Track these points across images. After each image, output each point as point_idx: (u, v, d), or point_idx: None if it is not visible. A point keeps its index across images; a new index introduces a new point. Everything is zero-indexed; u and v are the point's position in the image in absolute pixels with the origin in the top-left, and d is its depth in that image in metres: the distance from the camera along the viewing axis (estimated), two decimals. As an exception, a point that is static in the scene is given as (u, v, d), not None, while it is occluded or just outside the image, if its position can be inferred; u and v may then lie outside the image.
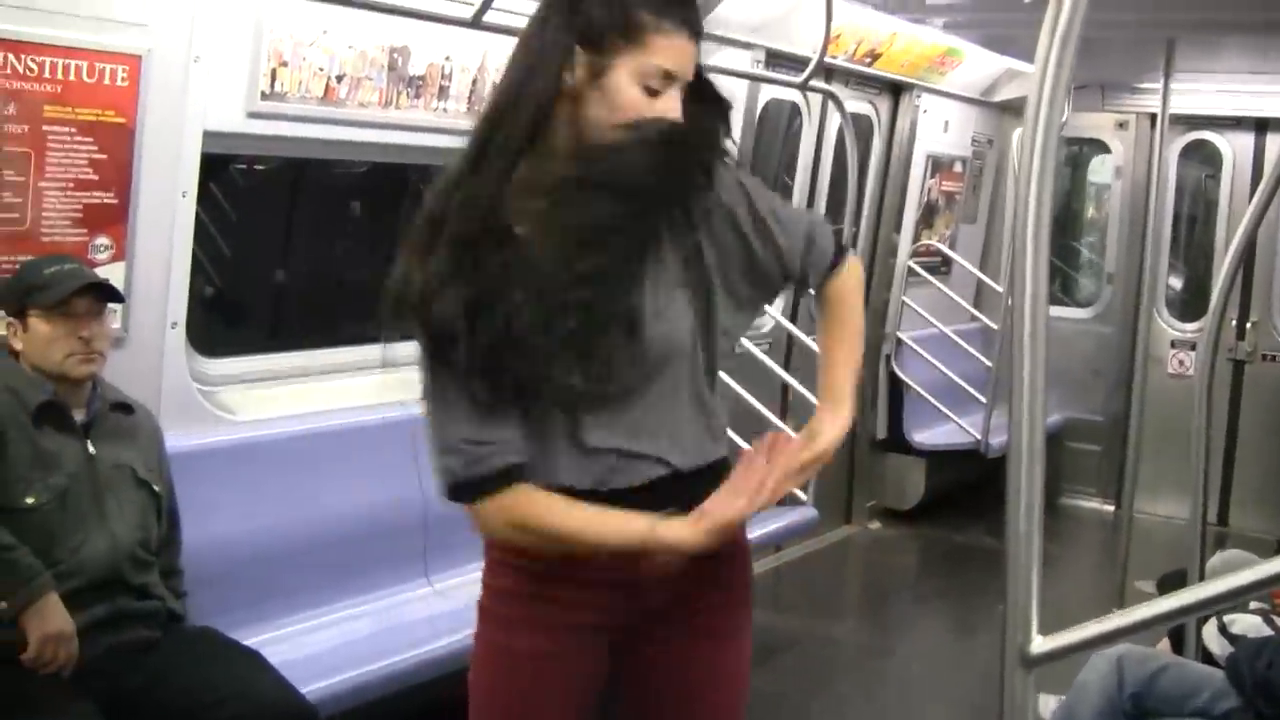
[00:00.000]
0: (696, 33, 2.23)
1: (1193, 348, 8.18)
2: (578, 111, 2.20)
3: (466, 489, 2.21)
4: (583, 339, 2.16)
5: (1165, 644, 4.04)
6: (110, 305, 3.44)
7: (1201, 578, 3.71)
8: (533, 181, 2.20)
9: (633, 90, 2.18)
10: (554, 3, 2.25)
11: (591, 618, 2.38)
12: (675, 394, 2.30)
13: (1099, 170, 9.10)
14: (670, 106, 2.20)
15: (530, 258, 2.15)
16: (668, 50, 2.18)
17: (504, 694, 2.43)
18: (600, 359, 2.18)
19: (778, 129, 7.00)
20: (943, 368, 7.84)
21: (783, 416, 6.02)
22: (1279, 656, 3.36)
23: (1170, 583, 4.72)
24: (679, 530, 2.19)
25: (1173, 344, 8.46)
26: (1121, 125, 8.61)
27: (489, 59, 4.59)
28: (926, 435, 7.96)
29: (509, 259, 2.14)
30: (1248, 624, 3.77)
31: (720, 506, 2.18)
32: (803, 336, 6.18)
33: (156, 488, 3.42)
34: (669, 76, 2.19)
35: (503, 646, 2.41)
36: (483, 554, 2.46)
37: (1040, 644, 1.35)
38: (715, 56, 5.48)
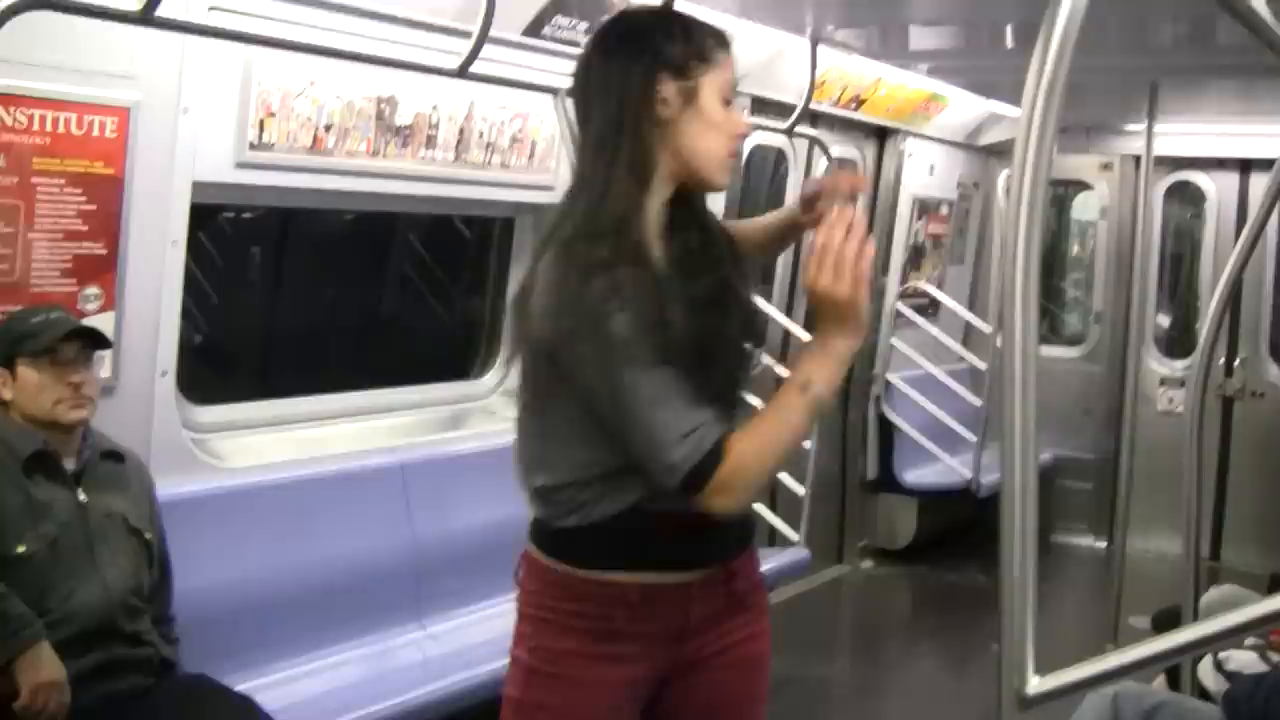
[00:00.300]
0: None
1: (1181, 385, 8.20)
2: (673, 140, 2.37)
3: (698, 476, 2.24)
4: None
5: (1161, 681, 4.03)
6: (98, 353, 3.44)
7: (1196, 614, 3.71)
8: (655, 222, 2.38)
9: (718, 105, 2.38)
10: (607, 47, 2.42)
11: (645, 670, 2.44)
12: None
13: (1083, 208, 9.13)
14: (739, 116, 2.45)
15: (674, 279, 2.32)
16: (730, 65, 2.42)
17: None
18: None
19: (764, 175, 7.03)
20: (932, 408, 7.85)
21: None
22: (1275, 693, 3.35)
23: (1165, 620, 4.71)
24: (841, 344, 2.26)
25: (1162, 381, 8.47)
26: (1106, 167, 8.65)
27: (476, 108, 4.62)
28: (917, 475, 7.96)
29: (659, 278, 2.30)
30: (1243, 660, 3.76)
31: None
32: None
33: (148, 536, 3.41)
34: (734, 88, 2.42)
35: (557, 709, 2.42)
36: (523, 614, 2.48)
37: (1036, 684, 1.35)
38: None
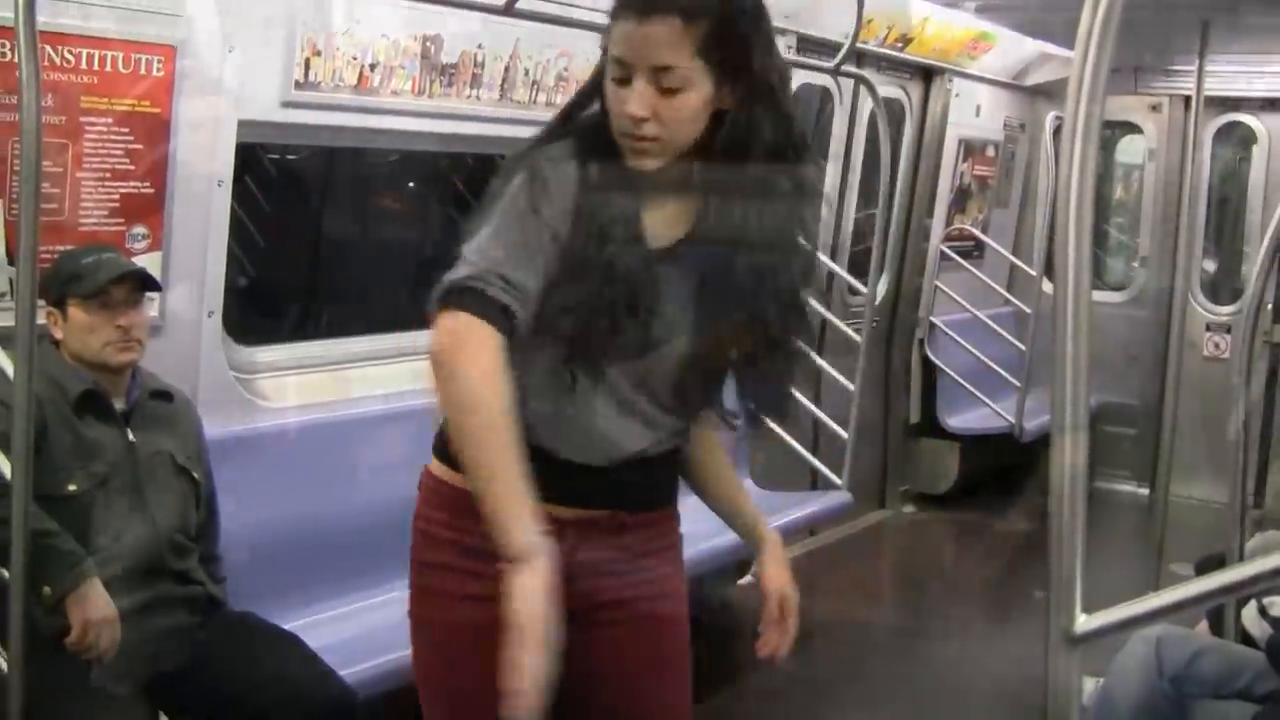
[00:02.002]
0: (658, 12, 2.15)
1: (1228, 331, 8.14)
2: None
3: (455, 293, 2.12)
4: None
5: (1203, 626, 4.03)
6: (147, 294, 3.46)
7: (1241, 559, 3.70)
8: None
9: (610, 83, 2.20)
10: None
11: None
12: None
13: (1128, 151, 9.04)
14: (625, 97, 2.17)
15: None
16: (618, 39, 2.17)
17: (441, 671, 2.40)
18: None
19: (810, 114, 6.99)
20: (976, 352, 7.82)
21: (816, 401, 6.02)
22: (1319, 639, 3.35)
23: (1209, 566, 4.70)
24: (530, 583, 1.99)
25: (1207, 327, 8.41)
26: (1154, 108, 8.55)
27: (521, 46, 4.60)
28: (960, 419, 7.94)
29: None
30: (1287, 606, 3.75)
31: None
32: (837, 321, 6.20)
33: (196, 475, 3.44)
34: (621, 64, 2.16)
35: (437, 622, 2.39)
36: (411, 528, 2.45)
37: (1085, 622, 1.35)
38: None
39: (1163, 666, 3.58)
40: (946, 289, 7.95)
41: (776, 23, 5.82)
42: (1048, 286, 7.71)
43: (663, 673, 2.51)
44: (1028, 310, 7.99)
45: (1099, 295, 8.71)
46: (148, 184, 3.67)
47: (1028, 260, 8.42)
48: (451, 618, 2.37)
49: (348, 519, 4.13)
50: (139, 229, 3.67)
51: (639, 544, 2.43)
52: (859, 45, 5.67)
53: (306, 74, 4.00)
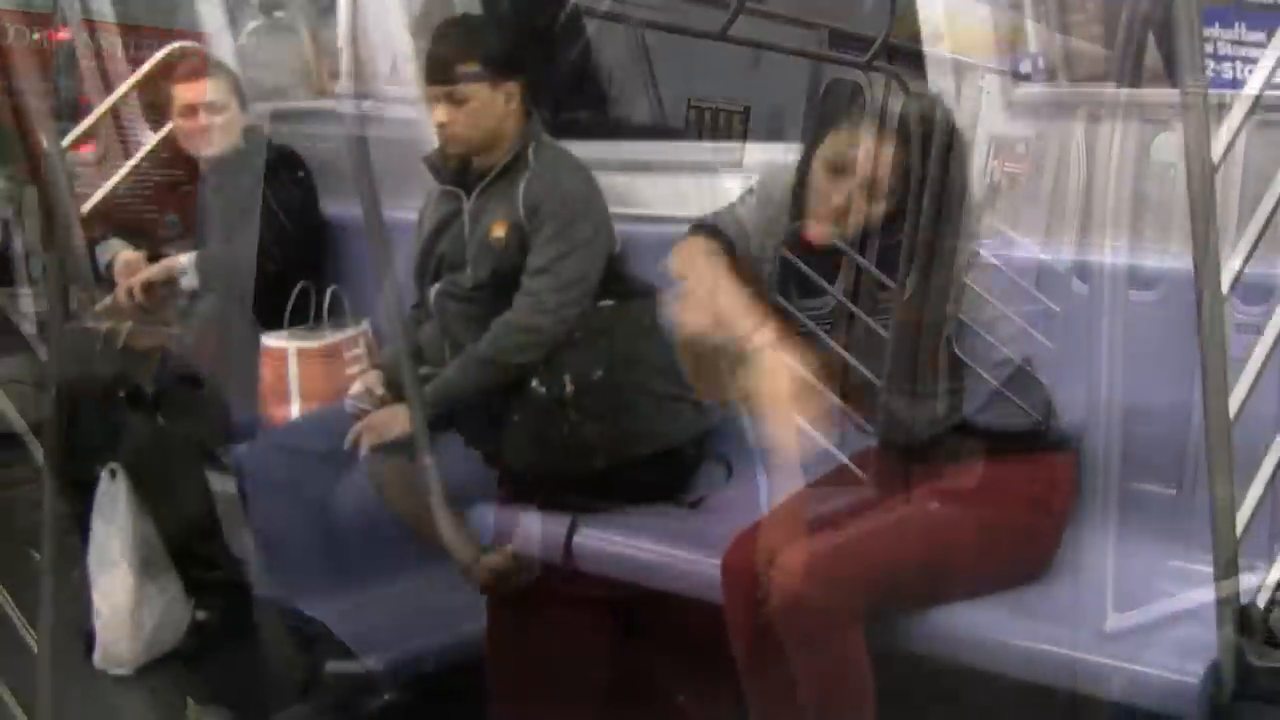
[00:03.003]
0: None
1: (1258, 331, 8.08)
2: None
3: None
4: None
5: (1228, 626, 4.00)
6: (179, 279, 3.48)
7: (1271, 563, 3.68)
8: None
9: None
10: None
11: (603, 592, 2.40)
12: None
13: (1161, 148, 8.96)
14: None
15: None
16: None
17: (521, 663, 2.46)
18: None
19: (839, 109, 6.96)
20: (1004, 349, 7.77)
21: (842, 397, 6.00)
22: (1346, 641, 3.32)
23: (1233, 566, 4.67)
24: None
25: (1237, 327, 8.33)
26: (1189, 104, 8.48)
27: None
28: (986, 416, 7.88)
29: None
30: (1314, 608, 3.73)
31: None
32: (865, 317, 6.17)
33: (224, 459, 3.45)
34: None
35: (517, 615, 2.45)
36: None
37: (1115, 620, 1.35)
38: (778, 36, 5.46)
39: (1189, 666, 3.56)
40: (974, 286, 7.89)
41: (807, 16, 5.83)
42: (1077, 285, 7.67)
43: (708, 659, 2.58)
44: (1055, 308, 7.94)
45: (1130, 294, 8.65)
46: (181, 171, 3.69)
47: (1057, 258, 8.37)
48: (535, 613, 2.44)
49: (374, 507, 4.13)
50: (172, 216, 3.69)
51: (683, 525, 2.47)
52: (891, 40, 5.65)
53: (339, 63, 4.00)
